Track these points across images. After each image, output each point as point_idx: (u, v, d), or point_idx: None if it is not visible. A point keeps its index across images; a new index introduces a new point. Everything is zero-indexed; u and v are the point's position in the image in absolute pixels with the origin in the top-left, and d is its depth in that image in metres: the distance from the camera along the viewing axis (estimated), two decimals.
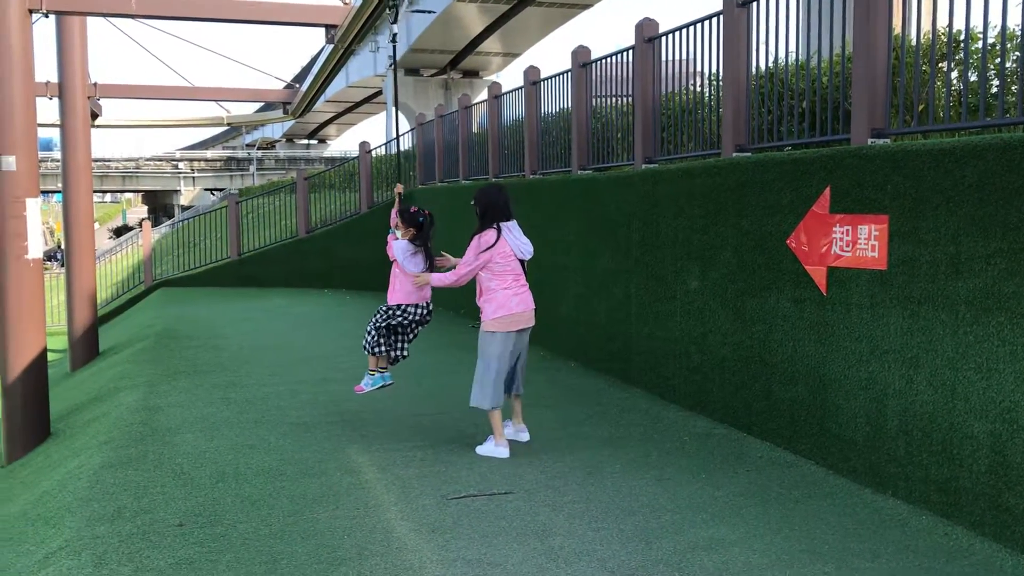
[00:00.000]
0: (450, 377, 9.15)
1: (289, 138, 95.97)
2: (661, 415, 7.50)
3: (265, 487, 5.64)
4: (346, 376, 9.40)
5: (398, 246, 6.82)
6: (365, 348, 7.11)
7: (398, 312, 6.91)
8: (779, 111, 6.93)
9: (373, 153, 18.62)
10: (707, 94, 7.94)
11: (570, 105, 10.10)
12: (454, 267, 6.62)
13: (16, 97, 8.14)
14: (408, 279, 6.74)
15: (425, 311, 6.94)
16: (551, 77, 10.83)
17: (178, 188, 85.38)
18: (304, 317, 14.26)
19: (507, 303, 6.28)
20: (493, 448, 6.36)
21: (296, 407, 7.97)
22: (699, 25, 7.50)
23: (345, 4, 8.57)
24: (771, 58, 6.85)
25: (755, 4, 6.80)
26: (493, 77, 56.37)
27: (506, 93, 12.48)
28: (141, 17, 8.35)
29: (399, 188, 7.56)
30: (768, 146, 6.86)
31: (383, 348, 7.05)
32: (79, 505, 5.39)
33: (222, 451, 6.58)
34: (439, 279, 6.56)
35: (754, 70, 6.97)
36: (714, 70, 7.43)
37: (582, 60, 9.86)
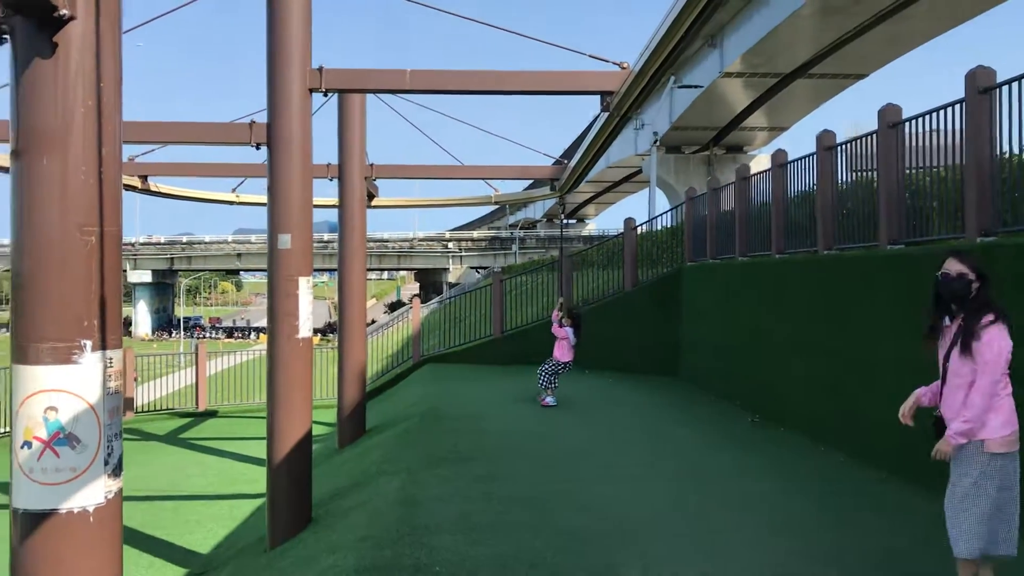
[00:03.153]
0: (740, 481, 7.97)
1: (549, 218, 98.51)
2: None
3: None
4: (623, 476, 8.48)
5: (568, 331, 12.98)
6: (542, 384, 12.89)
7: (561, 366, 12.96)
8: None
9: (638, 230, 17.90)
10: None
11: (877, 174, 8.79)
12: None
13: (295, 177, 8.13)
14: (567, 345, 12.88)
15: (571, 366, 13.05)
16: (848, 142, 9.57)
17: (447, 266, 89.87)
18: (567, 400, 13.57)
19: (1013, 416, 4.51)
20: None
21: (567, 512, 7.11)
22: None
23: (622, 69, 7.88)
24: None
25: None
26: (757, 152, 54.55)
27: (792, 162, 11.27)
28: (416, 92, 8.18)
29: (561, 300, 13.87)
30: None
31: (554, 385, 12.92)
32: None
33: (482, 560, 5.83)
34: (963, 424, 4.47)
35: None
36: None
37: (891, 120, 8.55)
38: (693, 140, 51.59)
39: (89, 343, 3.55)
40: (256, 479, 12.51)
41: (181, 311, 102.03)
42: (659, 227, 20.69)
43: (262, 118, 8.91)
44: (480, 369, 17.65)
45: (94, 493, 3.58)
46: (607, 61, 8.66)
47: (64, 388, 3.49)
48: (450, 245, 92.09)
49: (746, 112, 45.53)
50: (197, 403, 19.29)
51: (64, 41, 3.51)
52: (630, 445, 10.27)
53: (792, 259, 11.03)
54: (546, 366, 12.90)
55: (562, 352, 12.87)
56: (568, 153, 60.24)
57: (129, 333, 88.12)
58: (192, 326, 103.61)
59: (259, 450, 14.55)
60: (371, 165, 13.27)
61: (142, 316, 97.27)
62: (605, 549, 6.12)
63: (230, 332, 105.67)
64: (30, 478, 3.51)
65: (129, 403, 18.31)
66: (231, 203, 15.40)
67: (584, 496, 7.71)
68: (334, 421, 15.40)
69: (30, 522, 3.53)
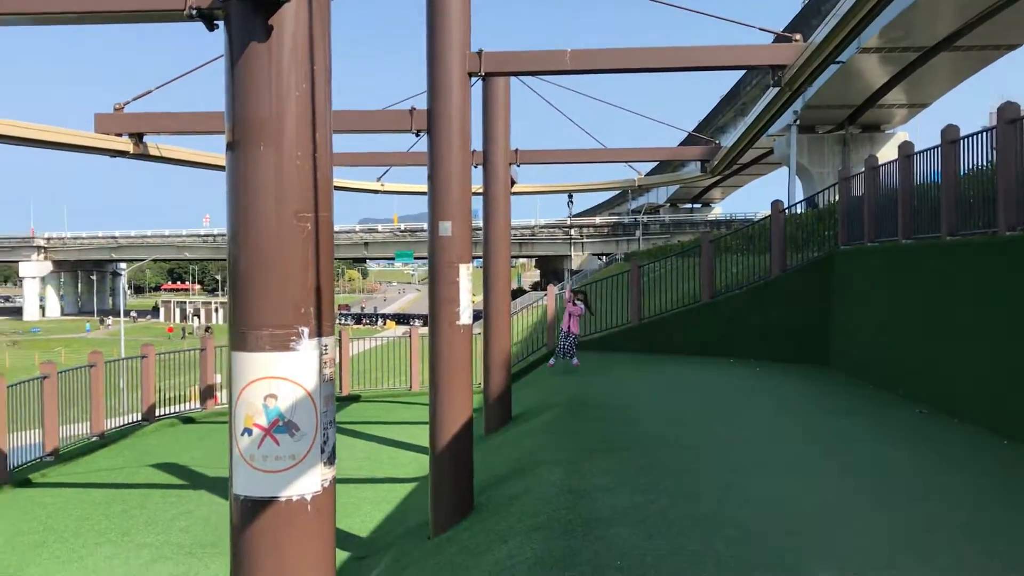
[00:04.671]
0: (917, 476, 7.48)
1: (673, 203, 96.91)
2: None
3: None
4: (788, 468, 8.12)
5: (581, 307, 15.62)
6: (570, 354, 15.69)
7: (574, 336, 15.80)
8: None
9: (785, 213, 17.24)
10: None
11: None
12: None
13: (455, 163, 8.09)
14: (578, 319, 15.67)
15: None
16: None
17: (568, 253, 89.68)
18: (714, 389, 13.20)
19: None
20: None
21: (735, 505, 6.83)
22: None
23: (795, 41, 7.47)
24: None
25: None
26: (896, 130, 52.10)
27: (965, 137, 10.56)
28: (577, 73, 7.99)
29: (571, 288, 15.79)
30: None
31: (574, 352, 15.72)
32: None
33: (663, 555, 5.62)
34: None
35: None
36: None
37: None
38: (827, 119, 49.67)
39: (306, 330, 3.53)
40: (404, 463, 12.68)
41: None
42: (799, 210, 19.91)
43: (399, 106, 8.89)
44: (618, 357, 17.40)
45: (311, 481, 3.56)
46: (774, 32, 8.27)
47: (283, 375, 3.48)
48: (572, 232, 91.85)
49: (884, 89, 43.47)
50: (341, 387, 19.76)
51: (279, 24, 3.48)
52: (789, 436, 9.86)
53: (967, 241, 10.34)
54: (568, 339, 15.86)
55: (576, 324, 15.84)
56: (700, 128, 58.98)
57: None
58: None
59: (404, 434, 14.80)
60: (515, 151, 13.18)
61: None
62: (785, 546, 5.82)
63: (358, 319, 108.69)
64: (251, 465, 3.52)
65: None
66: (375, 192, 15.61)
67: (750, 489, 7.41)
68: (476, 407, 15.48)
69: (251, 509, 3.54)
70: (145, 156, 9.84)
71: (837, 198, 16.00)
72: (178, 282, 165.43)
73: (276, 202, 3.52)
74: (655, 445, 9.23)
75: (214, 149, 11.91)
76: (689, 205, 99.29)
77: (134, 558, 8.88)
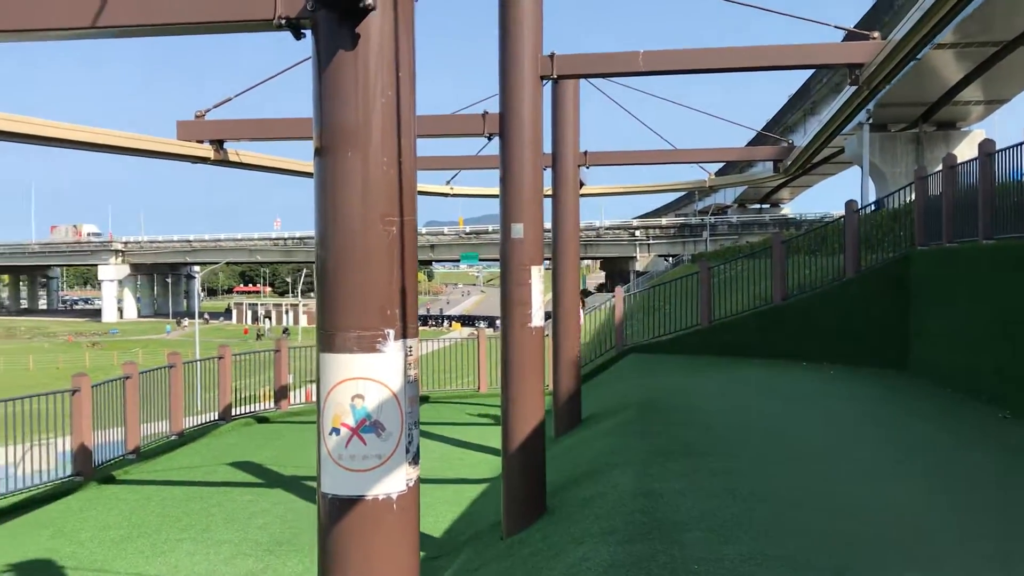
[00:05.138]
0: (1006, 485, 7.25)
1: (740, 203, 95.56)
2: None
3: None
4: (867, 473, 7.97)
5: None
6: None
7: None
8: None
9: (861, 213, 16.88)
10: None
11: None
12: None
13: (527, 166, 8.13)
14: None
15: None
16: None
17: (634, 255, 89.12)
18: (787, 392, 12.98)
19: None
20: None
21: (814, 511, 6.73)
22: None
23: (873, 39, 7.32)
24: None
25: None
26: (972, 128, 50.60)
27: None
28: (649, 74, 7.95)
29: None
30: None
31: None
32: None
33: (741, 559, 5.57)
34: None
35: None
36: None
37: None
38: (900, 117, 48.47)
39: (392, 331, 3.60)
40: (475, 464, 12.75)
41: None
42: (869, 211, 19.45)
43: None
44: (688, 359, 17.24)
45: (397, 480, 3.62)
46: (845, 29, 8.12)
47: (369, 376, 3.55)
48: (637, 233, 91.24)
49: (960, 85, 42.26)
50: None
51: (365, 32, 3.55)
52: (867, 440, 9.66)
53: None
54: None
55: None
56: (768, 128, 58.07)
57: None
58: None
59: (473, 435, 14.89)
60: (584, 153, 13.17)
61: None
62: (865, 552, 5.71)
63: (424, 320, 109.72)
64: (338, 464, 3.60)
65: None
66: (445, 195, 15.76)
67: (829, 494, 7.29)
68: (546, 409, 15.49)
69: (338, 507, 3.61)
70: (225, 162, 10.11)
71: (913, 197, 15.60)
72: (249, 284, 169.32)
73: (362, 206, 3.59)
74: (728, 449, 9.13)
75: (288, 154, 12.19)
76: (757, 206, 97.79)
77: (214, 554, 9.11)
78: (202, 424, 16.17)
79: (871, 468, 8.29)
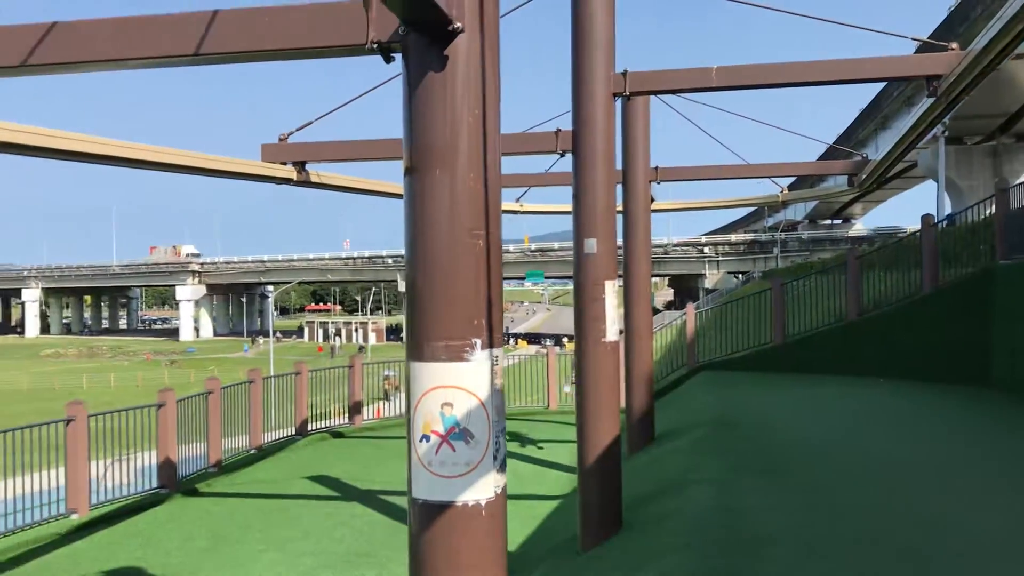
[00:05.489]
0: None
1: (811, 219, 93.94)
2: None
3: None
4: (953, 489, 7.78)
5: None
6: None
7: None
8: None
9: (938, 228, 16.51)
10: None
11: None
12: None
13: (600, 182, 8.20)
14: None
15: None
16: None
17: (703, 272, 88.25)
18: (865, 408, 12.74)
19: None
20: None
21: (896, 524, 6.61)
22: None
23: (952, 50, 7.23)
24: None
25: None
26: None
27: None
28: (722, 89, 7.98)
29: None
30: None
31: None
32: None
33: (825, 575, 5.53)
34: None
35: None
36: None
37: None
38: (976, 130, 47.09)
39: (479, 341, 3.71)
40: (546, 481, 12.79)
41: None
42: (943, 225, 18.97)
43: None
44: (761, 377, 17.03)
45: (485, 487, 3.72)
46: (920, 40, 8.03)
47: (458, 384, 3.66)
48: (706, 250, 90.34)
49: None
50: None
51: (453, 54, 3.69)
52: (952, 456, 9.43)
53: None
54: None
55: None
56: (840, 142, 57.09)
57: (400, 339, 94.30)
58: None
59: (545, 452, 14.93)
60: (655, 168, 13.19)
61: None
62: (952, 569, 5.59)
63: None
64: (429, 471, 3.71)
65: None
66: (515, 212, 15.91)
67: (913, 510, 7.14)
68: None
69: (428, 513, 3.73)
70: (307, 183, 10.42)
71: (993, 210, 15.21)
72: (320, 303, 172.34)
73: (450, 222, 3.71)
74: (807, 465, 9.02)
75: (366, 175, 12.48)
76: (828, 221, 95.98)
77: (296, 566, 9.32)
78: (279, 439, 16.54)
79: (956, 483, 8.10)
